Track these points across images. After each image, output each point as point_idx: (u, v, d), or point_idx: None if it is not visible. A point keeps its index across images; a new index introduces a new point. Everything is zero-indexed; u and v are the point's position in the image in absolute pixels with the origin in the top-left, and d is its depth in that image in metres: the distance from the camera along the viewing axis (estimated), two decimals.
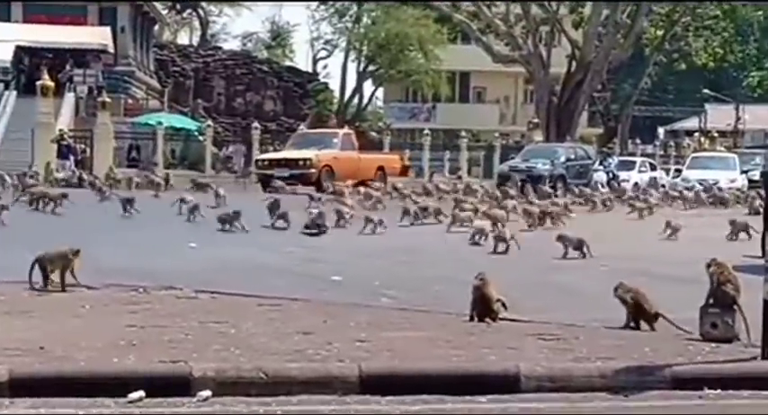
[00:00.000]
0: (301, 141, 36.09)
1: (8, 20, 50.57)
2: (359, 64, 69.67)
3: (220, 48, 69.87)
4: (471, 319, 9.39)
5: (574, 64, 50.22)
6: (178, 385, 6.96)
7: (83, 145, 39.46)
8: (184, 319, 9.18)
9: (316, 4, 70.07)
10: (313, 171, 31.94)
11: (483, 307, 9.42)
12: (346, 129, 40.09)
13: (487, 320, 9.32)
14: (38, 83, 40.02)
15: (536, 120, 48.09)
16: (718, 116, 69.50)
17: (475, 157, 51.55)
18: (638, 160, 44.26)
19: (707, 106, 71.90)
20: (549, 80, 50.59)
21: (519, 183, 30.53)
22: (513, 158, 38.82)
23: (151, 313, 9.51)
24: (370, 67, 68.88)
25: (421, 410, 6.88)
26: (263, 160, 34.91)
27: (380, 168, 34.94)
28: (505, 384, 7.27)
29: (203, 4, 73.27)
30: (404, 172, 38.23)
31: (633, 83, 66.73)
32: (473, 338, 8.61)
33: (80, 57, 48.59)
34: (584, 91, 49.95)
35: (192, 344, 8.05)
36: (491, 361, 7.69)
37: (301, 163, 32.37)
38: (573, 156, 36.90)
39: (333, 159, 33.03)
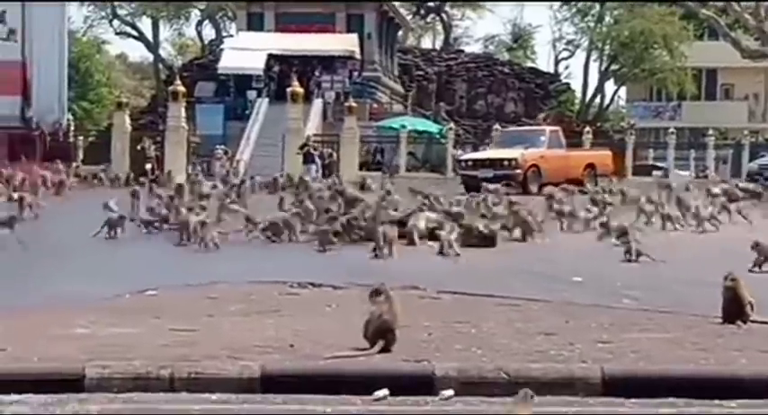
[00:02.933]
0: (507, 139, 34.76)
1: (261, 29, 52.47)
2: (601, 63, 68.73)
3: (462, 51, 70.31)
4: (724, 321, 9.09)
5: None
6: (421, 384, 7.04)
7: (330, 150, 40.37)
8: (427, 318, 9.27)
9: (558, 4, 69.69)
10: (518, 171, 30.54)
11: (735, 308, 9.12)
12: (553, 126, 37.88)
13: (738, 322, 9.03)
14: (288, 89, 41.18)
15: None
16: None
17: (722, 155, 50.04)
18: None
19: None
20: None
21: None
22: (763, 156, 37.52)
23: None
24: (613, 66, 67.79)
25: (668, 412, 6.73)
26: (467, 160, 33.60)
27: (590, 166, 32.98)
28: (758, 388, 7.02)
29: (446, 7, 73.95)
30: (616, 170, 35.53)
31: None
32: (721, 340, 8.35)
33: (328, 63, 49.83)
34: None
35: (434, 344, 8.13)
36: (741, 364, 7.45)
37: (506, 162, 30.89)
38: None
39: (539, 158, 31.50)
